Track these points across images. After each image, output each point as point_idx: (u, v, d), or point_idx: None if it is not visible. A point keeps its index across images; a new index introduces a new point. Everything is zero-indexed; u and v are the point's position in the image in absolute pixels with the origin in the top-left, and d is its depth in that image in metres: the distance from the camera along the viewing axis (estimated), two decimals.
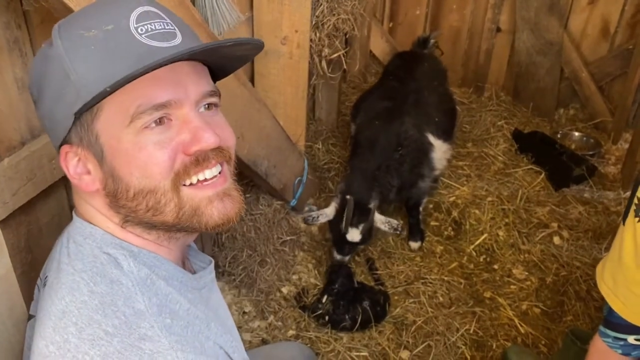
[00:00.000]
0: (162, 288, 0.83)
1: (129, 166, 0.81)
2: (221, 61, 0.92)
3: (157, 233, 0.88)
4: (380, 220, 2.39)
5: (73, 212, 0.92)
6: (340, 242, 2.41)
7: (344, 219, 2.32)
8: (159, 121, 0.81)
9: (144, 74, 0.75)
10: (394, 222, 2.38)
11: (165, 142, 0.81)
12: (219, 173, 0.87)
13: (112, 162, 0.82)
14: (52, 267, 0.88)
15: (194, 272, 0.97)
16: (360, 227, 2.32)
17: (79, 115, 0.80)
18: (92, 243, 0.85)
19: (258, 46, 0.90)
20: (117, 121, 0.80)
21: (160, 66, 0.76)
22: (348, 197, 2.30)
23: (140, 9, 0.81)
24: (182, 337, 0.78)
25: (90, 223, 0.88)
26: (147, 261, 0.86)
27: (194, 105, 0.84)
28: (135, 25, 0.80)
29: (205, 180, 0.85)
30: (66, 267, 0.83)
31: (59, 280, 0.82)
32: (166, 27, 0.82)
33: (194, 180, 0.85)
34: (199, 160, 0.84)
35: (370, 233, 2.41)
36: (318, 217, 2.42)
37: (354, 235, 2.35)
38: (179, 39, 0.83)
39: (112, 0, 0.83)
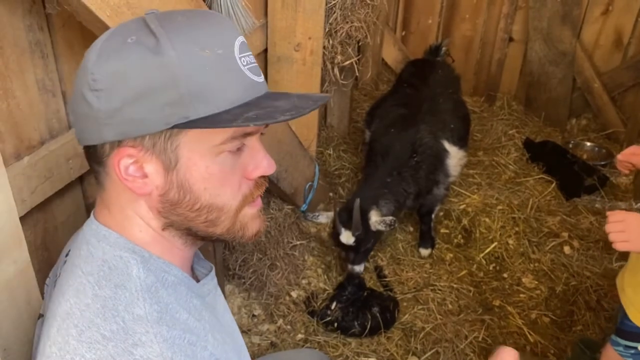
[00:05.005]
0: (164, 297, 0.83)
1: (205, 182, 0.84)
2: None
3: (188, 239, 0.92)
4: (376, 222, 2.34)
5: (92, 213, 0.92)
6: (338, 246, 2.41)
7: (335, 220, 2.35)
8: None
9: (269, 124, 0.81)
10: (388, 218, 2.33)
11: (238, 166, 0.87)
12: None
13: (186, 174, 0.83)
14: (64, 268, 0.89)
15: (198, 280, 0.99)
16: (351, 230, 2.30)
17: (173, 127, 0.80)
18: (106, 246, 0.85)
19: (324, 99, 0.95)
20: (207, 140, 0.82)
21: (290, 119, 0.81)
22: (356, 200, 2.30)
23: (240, 39, 0.84)
24: (175, 345, 0.78)
25: (110, 227, 0.87)
26: (157, 267, 0.86)
27: (259, 134, 0.90)
28: (239, 55, 0.82)
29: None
30: (76, 269, 0.84)
31: (67, 282, 0.83)
32: (254, 62, 0.86)
33: None
34: (258, 184, 0.91)
35: (367, 237, 2.36)
36: (319, 215, 2.45)
37: (347, 237, 2.33)
38: (262, 75, 0.88)
39: (215, 20, 0.84)
